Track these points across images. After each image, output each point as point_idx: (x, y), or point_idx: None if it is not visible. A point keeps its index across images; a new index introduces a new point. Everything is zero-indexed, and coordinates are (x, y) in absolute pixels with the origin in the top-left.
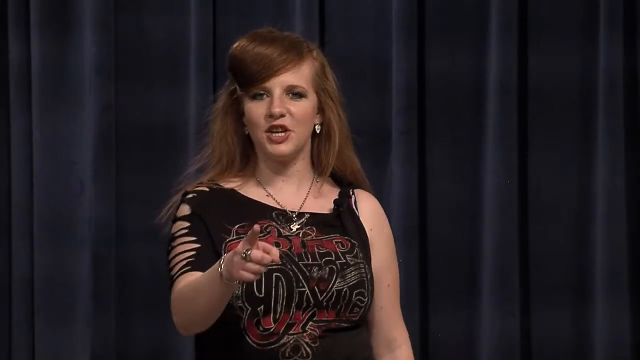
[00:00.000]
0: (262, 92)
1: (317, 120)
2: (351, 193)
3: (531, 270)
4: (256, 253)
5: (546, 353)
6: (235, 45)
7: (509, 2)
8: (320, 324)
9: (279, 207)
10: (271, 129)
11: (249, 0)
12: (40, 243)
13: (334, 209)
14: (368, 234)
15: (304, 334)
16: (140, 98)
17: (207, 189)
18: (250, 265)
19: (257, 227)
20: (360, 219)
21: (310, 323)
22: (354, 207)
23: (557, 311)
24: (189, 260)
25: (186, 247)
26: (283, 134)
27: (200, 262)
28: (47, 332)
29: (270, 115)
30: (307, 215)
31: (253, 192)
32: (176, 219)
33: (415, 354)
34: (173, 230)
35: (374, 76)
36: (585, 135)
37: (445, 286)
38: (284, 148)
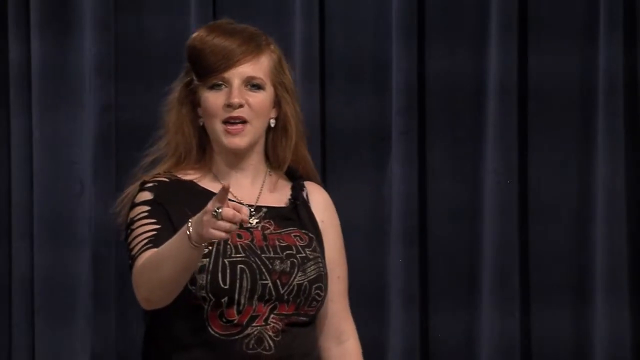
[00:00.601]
0: (220, 82)
1: (272, 114)
2: (303, 186)
3: (531, 270)
4: (227, 211)
5: (546, 353)
6: (194, 36)
7: (509, 2)
8: (281, 317)
9: (236, 200)
10: (229, 120)
11: (249, 0)
12: (40, 243)
13: (290, 202)
14: (320, 226)
15: (267, 327)
16: (140, 98)
17: (167, 180)
18: (221, 223)
19: (227, 184)
20: (312, 211)
21: (272, 316)
22: (306, 199)
23: (557, 311)
24: (150, 238)
25: (147, 227)
26: (240, 125)
27: (161, 240)
28: (47, 332)
29: (229, 105)
30: (264, 209)
31: (210, 184)
32: (135, 205)
33: (415, 354)
34: (132, 215)
35: (374, 76)
36: (585, 135)
37: (445, 286)
38: (239, 141)
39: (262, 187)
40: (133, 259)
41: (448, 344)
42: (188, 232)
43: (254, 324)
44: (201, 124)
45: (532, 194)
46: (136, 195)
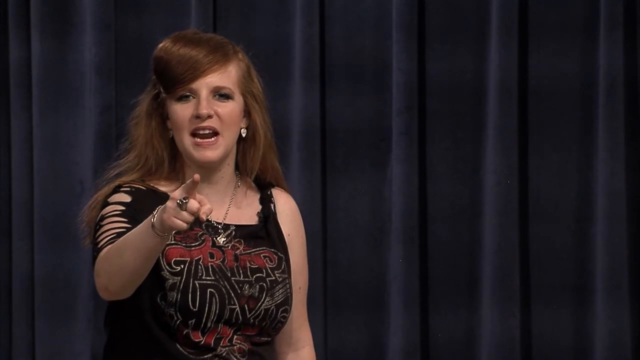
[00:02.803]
0: (187, 93)
1: (243, 124)
2: (271, 197)
3: (531, 270)
4: (193, 203)
5: (546, 353)
6: (159, 47)
7: (509, 2)
8: (245, 337)
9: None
10: (197, 131)
11: (249, 0)
12: (41, 243)
13: (259, 219)
14: (286, 239)
15: (234, 347)
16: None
17: (144, 188)
18: (184, 214)
19: (197, 176)
20: (280, 224)
21: (236, 337)
22: (274, 211)
23: (557, 311)
24: (118, 232)
25: (117, 225)
26: (212, 138)
27: (123, 233)
28: (47, 332)
29: (197, 117)
30: (232, 227)
31: None
32: (109, 203)
33: (415, 354)
34: (104, 212)
35: (374, 76)
36: (585, 135)
37: (445, 286)
38: (211, 154)
39: (230, 202)
40: (98, 251)
41: (448, 344)
42: (152, 220)
43: (221, 344)
44: (171, 136)
45: (532, 194)
46: (110, 195)
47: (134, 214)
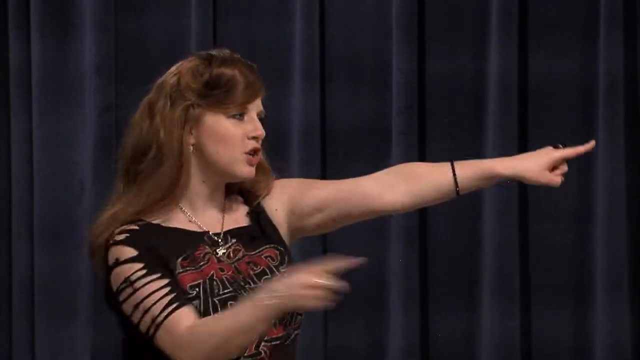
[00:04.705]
0: (242, 112)
1: None
2: (255, 193)
3: (531, 270)
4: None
5: (546, 353)
6: (223, 68)
7: (509, 2)
8: (271, 343)
9: (203, 231)
10: (255, 152)
11: (249, 0)
12: (41, 243)
13: (252, 218)
14: (280, 221)
15: (261, 355)
16: (140, 98)
17: (137, 228)
18: (328, 292)
19: (362, 260)
20: (269, 216)
21: (263, 343)
22: (262, 206)
23: (557, 311)
24: (170, 297)
25: (155, 285)
26: (258, 156)
27: (180, 296)
28: (47, 332)
29: (254, 137)
30: (230, 234)
31: (176, 221)
32: (119, 263)
33: (415, 354)
34: (126, 274)
35: (374, 76)
36: (585, 135)
37: (445, 286)
38: (253, 171)
39: (224, 211)
40: (158, 322)
41: (448, 344)
42: (269, 303)
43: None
44: (191, 149)
45: (532, 194)
46: (114, 248)
47: (152, 257)
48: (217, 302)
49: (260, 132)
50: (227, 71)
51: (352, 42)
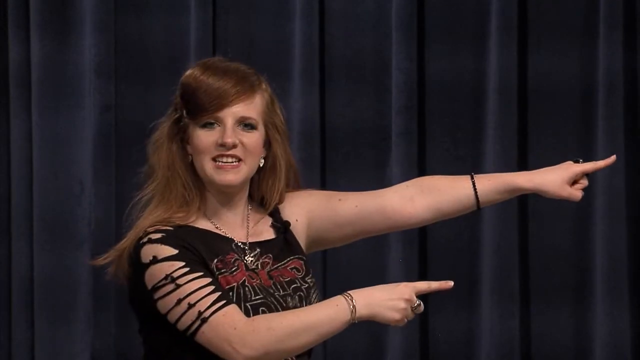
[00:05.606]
0: (212, 121)
1: (262, 154)
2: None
3: (531, 270)
4: (423, 308)
5: (546, 353)
6: (188, 74)
7: (509, 2)
8: None
9: (230, 238)
10: (220, 158)
11: (249, 0)
12: (40, 243)
13: (277, 230)
14: (300, 232)
15: None
16: (140, 98)
17: (172, 228)
18: (411, 315)
19: (451, 283)
20: (292, 229)
21: None
22: (285, 221)
23: (557, 311)
24: (217, 294)
25: (200, 282)
26: (236, 162)
27: (226, 294)
28: (47, 332)
29: (222, 145)
30: (258, 245)
31: (205, 225)
32: (157, 261)
33: (415, 354)
34: (167, 271)
35: (374, 76)
36: (585, 135)
37: None
38: (233, 177)
39: (247, 222)
40: (204, 318)
41: (448, 344)
42: (351, 307)
43: None
44: (190, 160)
45: (531, 194)
46: (149, 246)
47: (192, 256)
48: (249, 307)
49: (224, 140)
50: (187, 80)
51: (352, 42)
